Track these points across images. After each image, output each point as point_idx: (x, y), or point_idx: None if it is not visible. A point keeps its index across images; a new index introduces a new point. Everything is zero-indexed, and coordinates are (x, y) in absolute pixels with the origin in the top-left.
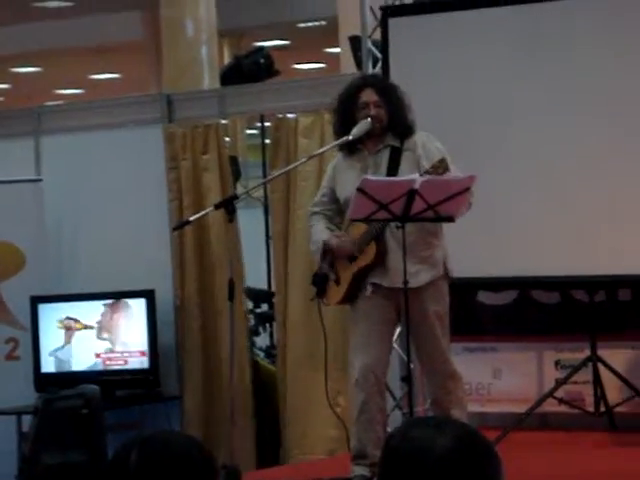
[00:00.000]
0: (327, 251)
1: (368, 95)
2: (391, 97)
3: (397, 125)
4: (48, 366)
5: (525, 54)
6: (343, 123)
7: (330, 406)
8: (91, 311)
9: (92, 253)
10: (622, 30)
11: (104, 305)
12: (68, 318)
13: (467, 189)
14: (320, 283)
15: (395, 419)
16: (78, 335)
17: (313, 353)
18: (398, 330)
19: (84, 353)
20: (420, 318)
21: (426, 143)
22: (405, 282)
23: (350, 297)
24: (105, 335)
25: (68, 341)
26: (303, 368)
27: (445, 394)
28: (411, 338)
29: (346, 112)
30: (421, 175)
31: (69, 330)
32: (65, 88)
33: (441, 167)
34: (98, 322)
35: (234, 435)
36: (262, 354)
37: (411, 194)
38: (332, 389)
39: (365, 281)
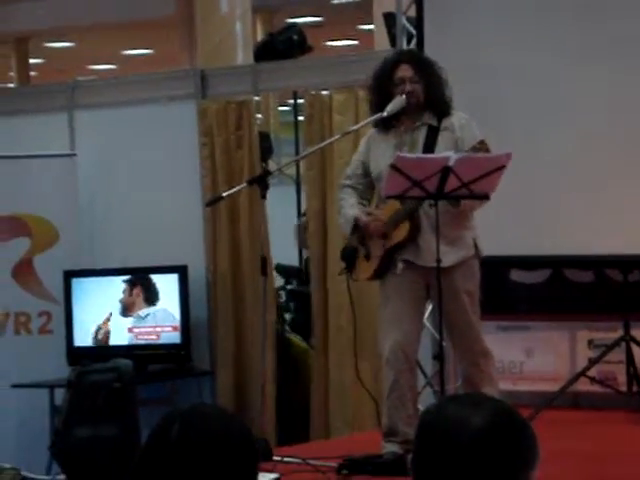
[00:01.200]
0: (357, 227)
1: (404, 71)
2: (428, 73)
3: (434, 102)
4: (81, 340)
5: (575, 32)
6: (379, 99)
7: (360, 381)
8: (123, 286)
9: (125, 228)
10: None
11: (134, 281)
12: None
13: (502, 167)
14: (349, 257)
15: (426, 397)
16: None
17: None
18: (430, 308)
19: (117, 328)
20: (451, 296)
21: (464, 125)
22: (438, 260)
23: (380, 273)
24: (137, 311)
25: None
26: (344, 346)
27: (477, 372)
28: (442, 316)
29: (382, 88)
30: None
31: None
32: (98, 63)
33: (482, 150)
34: (123, 300)
35: (265, 410)
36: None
37: (445, 171)
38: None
39: (395, 258)
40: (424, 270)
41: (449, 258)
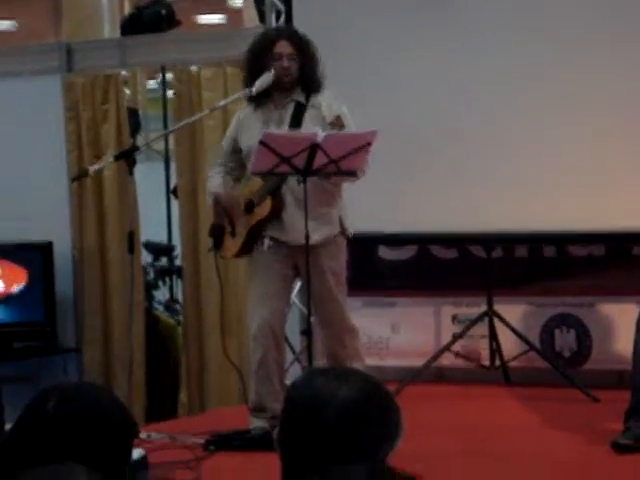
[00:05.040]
0: (217, 204)
1: (283, 47)
2: (305, 51)
3: (306, 79)
4: None
5: (439, 14)
6: (254, 73)
7: (227, 357)
8: None
9: None
10: None
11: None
12: None
13: (369, 144)
14: (216, 234)
15: (295, 373)
16: None
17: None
18: (298, 285)
19: None
20: (316, 274)
21: (332, 104)
22: (307, 237)
23: (246, 250)
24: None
25: None
26: (214, 323)
27: (342, 348)
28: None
29: (258, 62)
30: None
31: None
32: None
33: (337, 125)
34: None
35: (132, 388)
36: (161, 308)
37: (313, 148)
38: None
39: (262, 234)
40: (290, 247)
41: (315, 235)
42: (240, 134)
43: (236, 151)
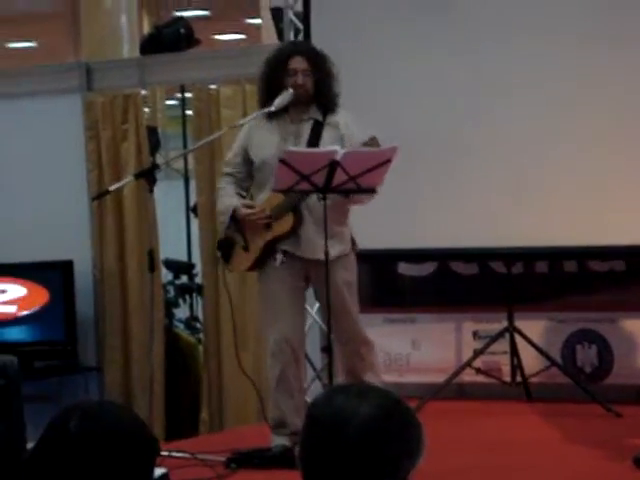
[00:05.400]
0: (235, 218)
1: (298, 62)
2: (320, 67)
3: (322, 96)
4: None
5: (453, 31)
6: (269, 88)
7: (243, 372)
8: (8, 283)
9: (9, 223)
10: None
11: (21, 277)
12: None
13: (388, 161)
14: (226, 248)
15: (315, 390)
16: None
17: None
18: (317, 304)
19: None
20: (330, 288)
21: (349, 123)
22: (326, 253)
23: (259, 265)
24: (21, 307)
25: None
26: (232, 341)
27: (359, 361)
28: (322, 308)
29: (274, 77)
30: None
31: None
32: None
33: (373, 145)
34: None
35: (153, 406)
36: (182, 326)
37: (332, 165)
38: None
39: (275, 249)
40: (303, 261)
41: (331, 252)
42: (251, 143)
43: (246, 161)
